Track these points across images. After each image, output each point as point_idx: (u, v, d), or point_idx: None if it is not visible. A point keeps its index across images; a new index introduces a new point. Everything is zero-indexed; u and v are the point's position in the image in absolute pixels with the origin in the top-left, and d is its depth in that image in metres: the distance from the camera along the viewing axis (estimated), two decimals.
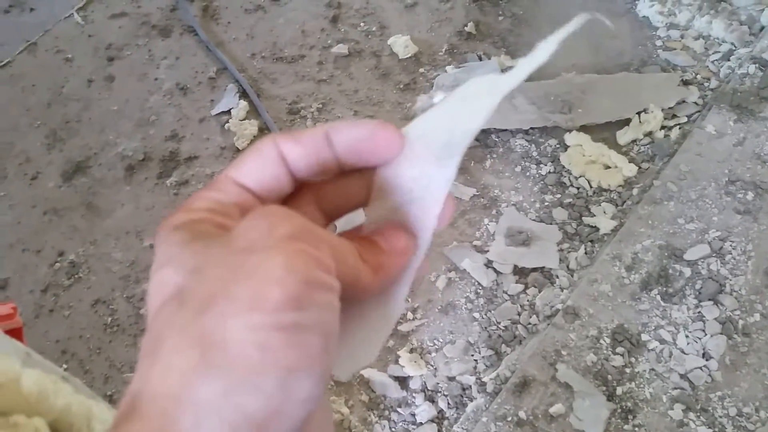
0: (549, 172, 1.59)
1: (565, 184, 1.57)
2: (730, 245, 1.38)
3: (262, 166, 0.29)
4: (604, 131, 1.65)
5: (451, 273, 1.45)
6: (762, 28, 1.78)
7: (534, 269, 1.44)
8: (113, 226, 1.61)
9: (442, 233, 1.48)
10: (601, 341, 1.29)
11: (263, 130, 1.74)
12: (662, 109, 1.64)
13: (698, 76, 1.72)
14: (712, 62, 1.75)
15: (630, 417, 1.20)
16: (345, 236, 0.31)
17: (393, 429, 1.29)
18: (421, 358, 1.35)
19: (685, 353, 1.26)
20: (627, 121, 1.65)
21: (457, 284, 1.44)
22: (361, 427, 1.29)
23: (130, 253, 1.56)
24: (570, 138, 1.62)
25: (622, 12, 1.91)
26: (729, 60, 1.73)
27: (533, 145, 1.64)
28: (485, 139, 1.66)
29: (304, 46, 1.92)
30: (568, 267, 1.44)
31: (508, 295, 1.42)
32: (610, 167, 1.58)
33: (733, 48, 1.76)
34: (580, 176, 1.57)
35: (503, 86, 0.29)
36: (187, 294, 0.24)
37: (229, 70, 1.86)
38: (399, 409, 1.31)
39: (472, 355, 1.35)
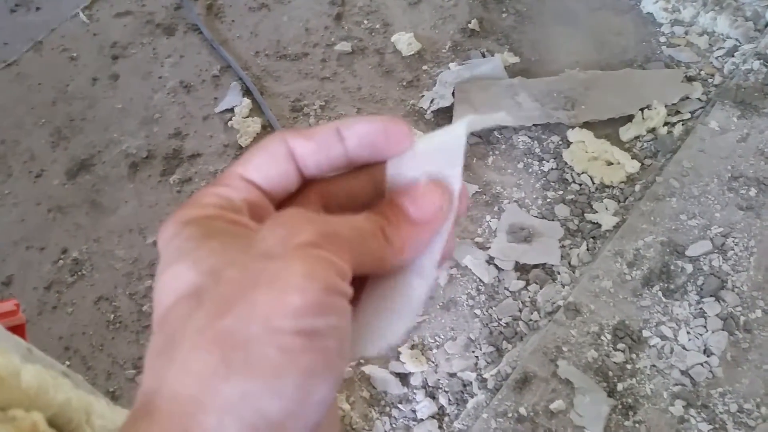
0: (551, 169, 1.59)
1: (567, 180, 1.57)
2: (733, 241, 1.38)
3: (270, 163, 0.29)
4: (607, 128, 1.65)
5: (453, 269, 1.46)
6: (767, 24, 1.77)
7: (535, 266, 1.44)
8: (117, 223, 1.62)
9: None
10: (602, 337, 1.29)
11: (266, 128, 1.75)
12: (665, 106, 1.64)
13: (702, 72, 1.72)
14: (716, 58, 1.74)
15: (631, 413, 1.21)
16: (373, 205, 0.30)
17: (394, 425, 1.29)
18: (422, 354, 1.36)
19: (686, 349, 1.27)
20: (630, 118, 1.65)
21: (458, 281, 1.44)
22: (362, 423, 1.30)
23: (133, 251, 1.57)
24: (573, 134, 1.62)
25: (626, 8, 1.90)
26: (733, 56, 1.72)
27: (536, 142, 1.64)
28: (488, 136, 1.66)
29: (307, 44, 1.92)
30: (569, 263, 1.44)
31: (510, 291, 1.42)
32: (612, 164, 1.58)
33: (738, 44, 1.75)
34: (583, 173, 1.57)
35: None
36: (204, 295, 0.24)
37: (233, 68, 1.86)
38: (400, 406, 1.31)
39: (473, 352, 1.35)
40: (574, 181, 1.57)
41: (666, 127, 1.62)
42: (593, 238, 1.47)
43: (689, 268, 1.36)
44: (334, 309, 0.24)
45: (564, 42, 1.85)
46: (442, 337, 1.38)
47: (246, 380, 0.22)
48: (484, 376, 1.31)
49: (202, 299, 0.24)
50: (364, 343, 0.30)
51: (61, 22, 2.05)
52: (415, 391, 1.32)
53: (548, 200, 1.55)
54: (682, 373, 1.24)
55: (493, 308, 1.40)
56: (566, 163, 1.59)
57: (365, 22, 1.95)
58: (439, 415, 1.30)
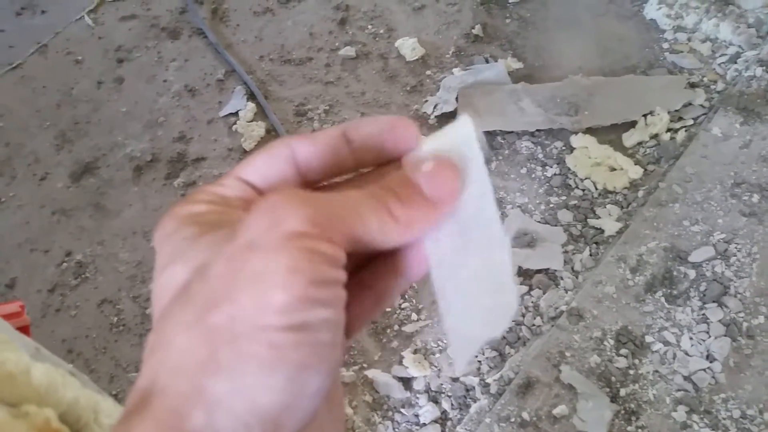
0: (554, 174, 1.59)
1: (570, 186, 1.57)
2: (735, 247, 1.38)
3: (269, 165, 0.29)
4: (610, 133, 1.65)
5: None
6: None
7: (539, 271, 1.45)
8: (121, 226, 1.63)
9: None
10: (605, 343, 1.29)
11: (270, 132, 1.75)
12: (668, 112, 1.64)
13: (705, 79, 1.72)
14: (719, 65, 1.75)
15: (633, 419, 1.21)
16: (390, 173, 0.29)
17: (396, 429, 1.29)
18: (425, 359, 1.36)
19: (689, 355, 1.27)
20: (633, 124, 1.65)
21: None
22: (365, 427, 1.30)
23: (136, 254, 1.57)
24: (576, 140, 1.63)
25: (629, 15, 1.91)
26: (736, 63, 1.73)
27: (539, 147, 1.65)
28: (491, 141, 1.66)
29: (311, 49, 1.93)
30: (572, 269, 1.44)
31: None
32: (615, 169, 1.58)
33: (741, 51, 1.76)
34: (586, 178, 1.58)
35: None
36: (192, 291, 0.24)
37: (238, 72, 1.87)
38: (403, 410, 1.31)
39: (476, 356, 1.36)
40: (577, 187, 1.57)
41: (669, 133, 1.62)
42: (596, 243, 1.47)
43: (692, 274, 1.36)
44: (324, 301, 0.23)
45: (567, 48, 1.86)
46: (445, 341, 1.38)
47: (236, 376, 0.22)
48: (487, 380, 1.31)
49: (190, 296, 0.24)
50: (468, 345, 0.29)
51: (66, 26, 2.06)
52: (417, 395, 1.32)
53: (551, 205, 1.55)
54: (685, 378, 1.24)
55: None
56: (569, 169, 1.60)
57: (369, 27, 1.96)
58: (442, 419, 1.30)
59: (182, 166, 1.71)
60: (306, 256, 0.23)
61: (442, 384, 1.33)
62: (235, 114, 1.79)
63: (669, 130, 1.63)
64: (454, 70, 1.82)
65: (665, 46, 1.82)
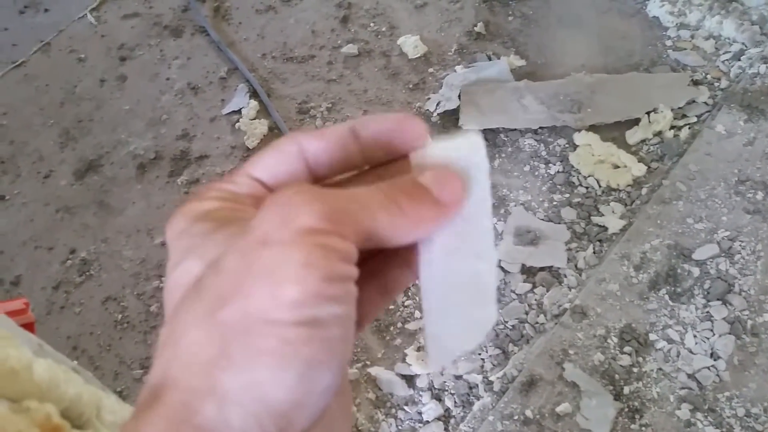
0: (558, 172, 1.59)
1: (573, 183, 1.57)
2: (740, 245, 1.38)
3: (279, 161, 0.29)
4: (613, 131, 1.65)
5: None
6: None
7: (542, 268, 1.44)
8: (124, 224, 1.63)
9: None
10: (609, 340, 1.28)
11: (273, 130, 1.76)
12: (672, 109, 1.64)
13: (708, 76, 1.72)
14: (723, 62, 1.74)
15: (637, 416, 1.20)
16: (397, 170, 0.30)
17: (400, 427, 1.29)
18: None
19: (693, 353, 1.26)
20: (636, 121, 1.65)
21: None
22: (368, 425, 1.30)
23: (140, 251, 1.58)
24: (579, 137, 1.62)
25: (632, 12, 1.90)
26: (740, 60, 1.72)
27: (542, 145, 1.64)
28: (494, 139, 1.66)
29: (314, 47, 1.93)
30: (576, 266, 1.44)
31: (516, 294, 1.42)
32: (619, 167, 1.58)
33: (744, 48, 1.75)
34: (589, 176, 1.57)
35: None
36: (204, 286, 0.24)
37: (240, 69, 1.87)
38: (406, 407, 1.31)
39: (479, 354, 1.35)
40: (580, 184, 1.57)
41: (672, 131, 1.62)
42: (600, 241, 1.47)
43: (696, 271, 1.36)
44: (336, 297, 0.23)
45: (570, 45, 1.85)
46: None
47: (247, 371, 0.22)
48: (491, 378, 1.31)
49: (202, 290, 0.24)
50: (444, 352, 0.30)
51: (69, 24, 2.06)
52: (421, 393, 1.32)
53: (555, 203, 1.55)
54: (689, 376, 1.24)
55: (500, 311, 1.40)
56: (573, 166, 1.59)
57: (371, 24, 1.96)
58: (445, 417, 1.30)
59: (185, 164, 1.71)
60: (319, 252, 0.23)
61: (445, 381, 1.33)
62: (238, 112, 1.79)
63: (672, 127, 1.63)
64: (457, 67, 1.82)
65: (668, 43, 1.81)
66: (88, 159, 1.75)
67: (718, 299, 1.31)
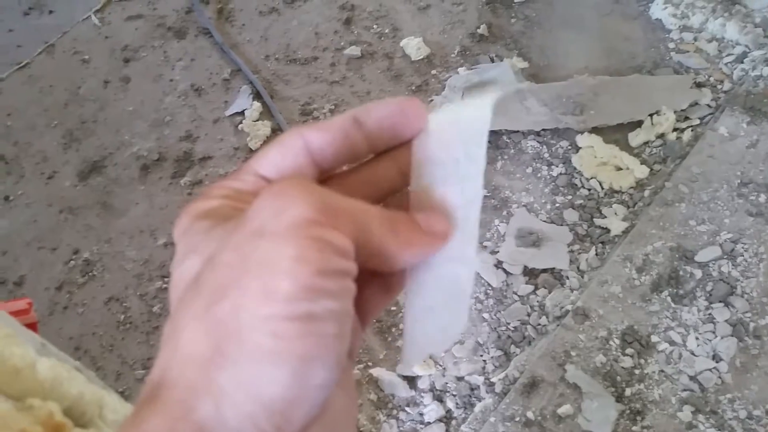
0: (560, 174, 1.59)
1: (576, 185, 1.57)
2: (742, 247, 1.37)
3: (284, 157, 0.29)
4: (616, 133, 1.65)
5: None
6: None
7: (544, 270, 1.45)
8: (128, 225, 1.63)
9: None
10: (611, 342, 1.28)
11: (276, 131, 1.76)
12: (675, 111, 1.64)
13: (711, 79, 1.72)
14: (726, 64, 1.74)
15: (639, 418, 1.20)
16: (390, 204, 0.31)
17: (401, 428, 1.29)
18: (430, 357, 1.36)
19: (695, 355, 1.26)
20: (639, 123, 1.65)
21: (474, 288, 1.44)
22: (370, 426, 1.30)
23: (143, 252, 1.58)
24: (582, 139, 1.62)
25: (635, 14, 1.90)
26: (742, 62, 1.72)
27: (545, 147, 1.64)
28: (496, 141, 1.66)
29: (317, 48, 1.93)
30: (578, 268, 1.44)
31: (518, 295, 1.42)
32: (621, 169, 1.58)
33: (747, 50, 1.75)
34: (592, 178, 1.57)
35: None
36: (201, 282, 0.24)
37: (243, 71, 1.88)
38: (407, 409, 1.31)
39: (481, 356, 1.36)
40: (583, 186, 1.57)
41: (675, 133, 1.62)
42: (602, 243, 1.47)
43: (698, 273, 1.35)
44: (330, 292, 0.23)
45: (573, 47, 1.85)
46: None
47: (241, 368, 0.22)
48: (492, 380, 1.31)
49: (200, 286, 0.24)
50: (417, 351, 0.30)
51: (74, 25, 2.07)
52: (422, 394, 1.32)
53: (557, 205, 1.55)
54: (691, 378, 1.24)
55: (502, 312, 1.40)
56: (575, 168, 1.59)
57: (375, 26, 1.96)
58: (447, 418, 1.30)
59: (189, 165, 1.72)
60: (313, 245, 0.23)
61: (446, 383, 1.33)
62: (241, 113, 1.80)
63: (675, 129, 1.62)
64: (460, 69, 1.82)
65: (671, 45, 1.81)
66: (91, 160, 1.76)
67: (720, 301, 1.31)
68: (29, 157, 1.78)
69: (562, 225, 1.51)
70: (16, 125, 1.85)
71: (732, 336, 1.27)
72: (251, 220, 0.24)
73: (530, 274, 1.45)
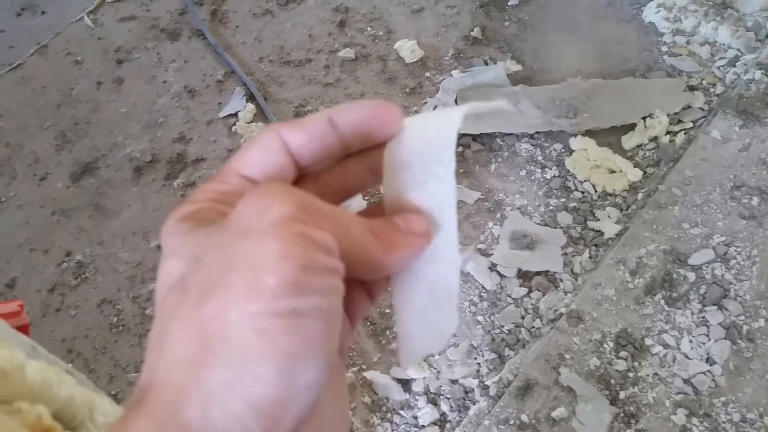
0: (554, 176, 1.59)
1: (569, 188, 1.57)
2: (735, 250, 1.38)
3: (266, 157, 0.29)
4: (609, 136, 1.65)
5: None
6: None
7: (538, 273, 1.44)
8: (120, 226, 1.62)
9: None
10: (605, 345, 1.28)
11: None
12: (668, 115, 1.64)
13: (704, 82, 1.72)
14: (718, 68, 1.75)
15: (633, 421, 1.20)
16: (365, 213, 0.31)
17: (395, 431, 1.29)
18: (424, 360, 1.36)
19: (688, 358, 1.26)
20: (632, 126, 1.65)
21: (460, 287, 1.44)
22: (364, 429, 1.29)
23: (136, 254, 1.57)
24: (575, 142, 1.63)
25: (628, 18, 1.91)
26: (735, 66, 1.73)
27: (538, 150, 1.65)
28: (490, 143, 1.66)
29: (311, 50, 1.93)
30: (572, 271, 1.44)
31: (512, 298, 1.42)
32: (615, 172, 1.58)
33: (739, 54, 1.76)
34: (585, 180, 1.57)
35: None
36: (187, 283, 0.24)
37: (237, 73, 1.87)
38: (401, 412, 1.31)
39: (475, 359, 1.35)
40: (576, 189, 1.57)
41: (668, 136, 1.62)
42: (596, 245, 1.47)
43: (692, 276, 1.36)
44: (316, 288, 0.23)
45: (566, 50, 1.86)
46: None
47: (227, 367, 0.22)
48: (486, 383, 1.31)
49: (187, 288, 0.24)
50: (413, 353, 0.31)
51: (66, 26, 2.06)
52: (416, 397, 1.32)
53: (551, 208, 1.55)
54: (685, 381, 1.24)
55: (496, 315, 1.40)
56: (569, 171, 1.60)
57: (368, 29, 1.96)
58: (441, 421, 1.29)
59: (182, 167, 1.71)
60: (297, 241, 0.23)
61: (441, 386, 1.33)
62: (235, 115, 1.79)
63: (668, 132, 1.63)
64: (453, 72, 1.82)
65: (664, 49, 1.82)
66: (84, 161, 1.75)
67: (713, 304, 1.31)
68: (21, 158, 1.77)
69: (555, 228, 1.51)
70: (8, 126, 1.84)
71: (725, 339, 1.27)
72: (235, 221, 0.24)
73: (524, 276, 1.45)
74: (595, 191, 1.56)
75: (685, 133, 1.62)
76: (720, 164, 1.51)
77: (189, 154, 1.74)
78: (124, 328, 1.46)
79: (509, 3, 1.97)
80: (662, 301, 1.33)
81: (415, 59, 1.86)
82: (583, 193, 1.56)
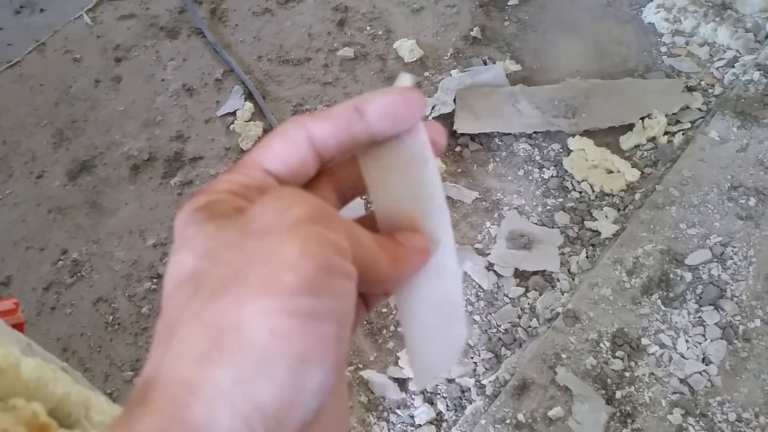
0: (552, 176, 1.59)
1: (567, 188, 1.57)
2: (732, 251, 1.38)
3: (289, 150, 0.28)
4: (607, 136, 1.65)
5: None
6: (767, 36, 1.78)
7: (535, 272, 1.45)
8: (117, 225, 1.62)
9: None
10: (601, 345, 1.29)
11: (268, 132, 1.75)
12: (666, 115, 1.64)
13: (702, 83, 1.73)
14: (717, 69, 1.75)
15: (629, 421, 1.20)
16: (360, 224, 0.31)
17: (392, 430, 1.29)
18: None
19: (685, 358, 1.26)
20: (630, 127, 1.65)
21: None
22: (360, 428, 1.29)
23: (132, 253, 1.57)
24: (573, 142, 1.63)
25: (627, 18, 1.91)
26: (733, 67, 1.73)
27: (536, 149, 1.65)
28: (488, 143, 1.66)
29: (310, 49, 1.93)
30: (569, 270, 1.44)
31: (509, 298, 1.42)
32: (612, 172, 1.58)
33: (738, 55, 1.76)
34: (583, 180, 1.58)
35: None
36: (200, 278, 0.23)
37: (236, 72, 1.87)
38: (398, 411, 1.31)
39: (472, 358, 1.35)
40: (574, 189, 1.57)
41: (666, 137, 1.62)
42: (593, 245, 1.47)
43: (688, 276, 1.36)
44: (332, 290, 0.23)
45: (565, 51, 1.86)
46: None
47: (237, 365, 0.21)
48: (483, 382, 1.31)
49: (200, 283, 0.23)
50: (427, 373, 0.31)
51: (65, 24, 2.06)
52: (413, 396, 1.32)
53: (548, 207, 1.55)
54: (681, 381, 1.24)
55: (492, 314, 1.40)
56: (566, 171, 1.60)
57: (368, 28, 1.96)
58: (437, 420, 1.29)
59: (179, 165, 1.71)
60: (317, 242, 0.23)
61: (437, 385, 1.33)
62: (233, 114, 1.79)
63: (666, 133, 1.63)
64: (453, 71, 1.82)
65: (663, 49, 1.82)
66: (81, 159, 1.75)
67: (710, 304, 1.32)
68: (18, 156, 1.77)
69: (553, 227, 1.51)
70: (6, 124, 1.84)
71: (722, 339, 1.27)
72: (254, 221, 0.24)
73: (521, 276, 1.45)
74: (593, 191, 1.56)
75: (683, 134, 1.62)
76: (718, 165, 1.51)
77: (186, 152, 1.73)
78: (119, 326, 1.46)
79: (509, 3, 1.97)
80: (659, 301, 1.33)
81: (415, 59, 1.86)
82: (580, 193, 1.56)
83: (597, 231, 1.49)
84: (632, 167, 1.58)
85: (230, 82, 1.87)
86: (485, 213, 1.55)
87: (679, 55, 1.80)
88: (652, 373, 1.25)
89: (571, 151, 1.62)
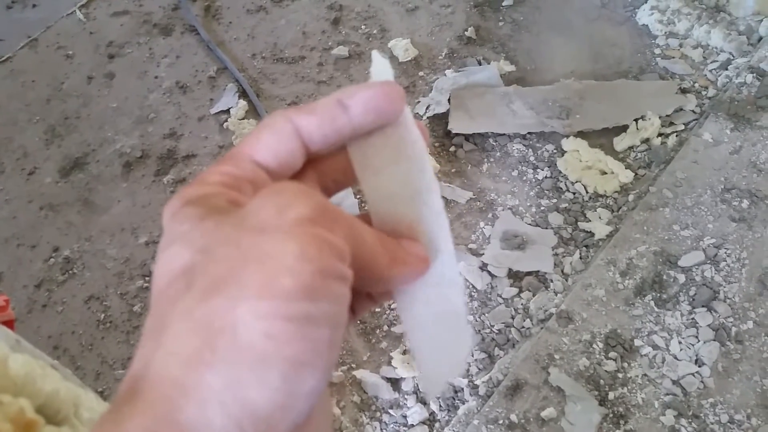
0: (545, 177, 1.59)
1: (561, 189, 1.57)
2: (725, 252, 1.38)
3: (277, 142, 0.28)
4: (601, 137, 1.65)
5: None
6: (760, 39, 1.79)
7: (528, 273, 1.44)
8: (109, 222, 1.61)
9: None
10: (594, 346, 1.29)
11: None
12: (660, 117, 1.65)
13: (696, 85, 1.73)
14: (710, 71, 1.75)
15: (622, 422, 1.20)
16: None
17: (384, 430, 1.29)
18: (414, 359, 1.35)
19: (677, 359, 1.27)
20: (624, 128, 1.65)
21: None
22: (353, 428, 1.29)
23: (124, 250, 1.56)
24: (567, 143, 1.63)
25: (621, 20, 1.92)
26: (727, 69, 1.74)
27: (530, 150, 1.65)
28: (483, 143, 1.66)
29: (304, 48, 1.92)
30: (562, 271, 1.44)
31: (503, 298, 1.42)
32: (606, 173, 1.59)
33: (732, 57, 1.77)
34: (577, 181, 1.58)
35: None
36: (195, 275, 0.23)
37: (229, 69, 1.86)
38: (391, 411, 1.30)
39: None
40: (568, 190, 1.57)
41: (660, 138, 1.63)
42: (586, 246, 1.47)
43: (681, 278, 1.36)
44: (329, 294, 0.22)
45: (560, 52, 1.86)
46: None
47: (230, 368, 0.21)
48: (476, 382, 1.31)
49: (194, 279, 0.23)
50: (436, 381, 0.31)
51: (58, 20, 2.04)
52: (406, 396, 1.32)
53: (542, 208, 1.55)
54: (674, 382, 1.24)
55: (486, 315, 1.40)
56: (560, 172, 1.60)
57: (363, 27, 1.96)
58: (430, 421, 1.29)
59: (172, 163, 1.70)
60: (316, 245, 0.22)
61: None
62: (227, 111, 1.78)
63: (660, 134, 1.63)
64: (447, 71, 1.82)
65: (657, 51, 1.83)
66: (73, 156, 1.73)
67: (703, 306, 1.32)
68: (10, 152, 1.76)
69: (547, 228, 1.51)
70: None
71: (714, 341, 1.28)
72: (251, 216, 0.23)
73: (515, 276, 1.45)
74: (587, 192, 1.56)
75: (676, 136, 1.62)
76: (711, 167, 1.52)
77: (179, 150, 1.72)
78: (111, 324, 1.45)
79: (503, 3, 1.97)
80: (652, 303, 1.33)
81: (409, 58, 1.86)
82: (574, 194, 1.56)
83: (590, 232, 1.49)
84: (626, 168, 1.58)
85: (224, 79, 1.86)
86: (479, 213, 1.55)
87: (673, 57, 1.80)
88: (645, 375, 1.25)
89: (565, 152, 1.62)
